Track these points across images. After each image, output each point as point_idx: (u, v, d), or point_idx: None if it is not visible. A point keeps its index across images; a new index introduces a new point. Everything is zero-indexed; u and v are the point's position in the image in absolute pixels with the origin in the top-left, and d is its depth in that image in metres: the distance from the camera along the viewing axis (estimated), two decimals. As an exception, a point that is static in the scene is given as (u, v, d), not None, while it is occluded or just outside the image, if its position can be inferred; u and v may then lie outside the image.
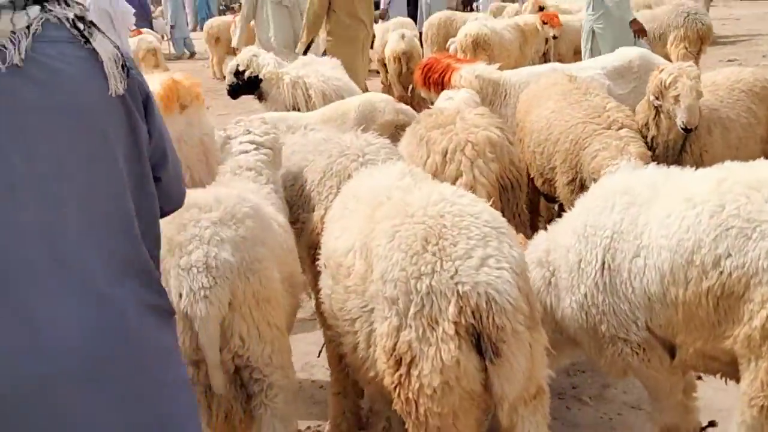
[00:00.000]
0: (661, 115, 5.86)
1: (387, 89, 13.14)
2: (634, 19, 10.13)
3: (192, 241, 3.31)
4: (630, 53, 7.65)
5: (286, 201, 4.94)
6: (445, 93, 6.99)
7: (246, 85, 7.84)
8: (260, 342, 3.38)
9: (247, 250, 3.39)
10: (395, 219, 3.33)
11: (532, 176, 6.43)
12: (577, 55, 13.68)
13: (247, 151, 4.68)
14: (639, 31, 10.01)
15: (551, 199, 6.60)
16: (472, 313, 3.01)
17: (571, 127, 5.92)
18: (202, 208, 3.43)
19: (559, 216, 6.50)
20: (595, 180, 5.40)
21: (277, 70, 7.67)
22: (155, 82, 4.59)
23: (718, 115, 5.98)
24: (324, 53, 9.63)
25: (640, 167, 5.16)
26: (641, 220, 3.75)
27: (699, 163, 5.89)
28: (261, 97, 7.80)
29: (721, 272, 3.40)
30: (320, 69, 7.82)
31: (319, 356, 5.22)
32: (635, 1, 13.31)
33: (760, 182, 3.47)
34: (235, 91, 8.07)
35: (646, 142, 5.87)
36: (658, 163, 5.64)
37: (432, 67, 8.57)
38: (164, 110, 4.48)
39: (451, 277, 3.06)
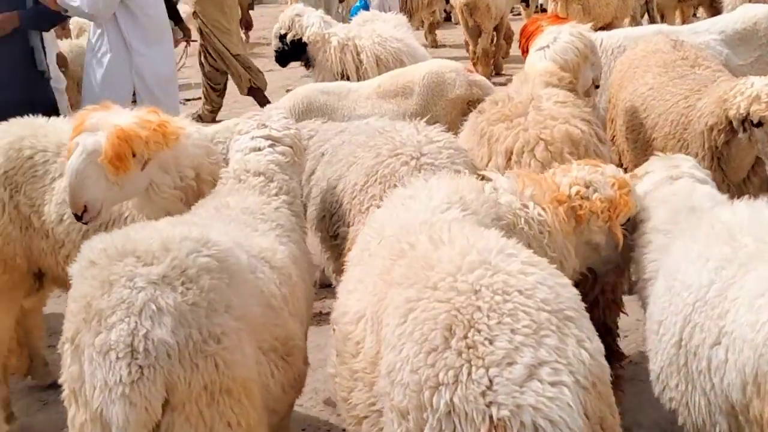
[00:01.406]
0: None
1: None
2: None
3: (116, 309, 2.35)
4: (755, 12, 6.24)
5: (327, 210, 3.98)
6: (541, 36, 5.42)
7: (291, 51, 6.85)
8: (218, 452, 2.43)
9: (198, 323, 2.42)
10: (411, 289, 2.34)
11: (625, 167, 5.26)
12: (681, 2, 12.06)
13: (260, 149, 3.74)
14: None
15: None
16: (513, 451, 2.03)
17: (672, 107, 4.84)
18: (141, 258, 2.47)
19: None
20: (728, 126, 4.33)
21: (322, 31, 6.62)
22: (101, 133, 3.46)
23: None
24: None
25: None
26: (732, 292, 2.63)
27: None
28: (308, 64, 6.80)
29: None
30: (378, 28, 6.75)
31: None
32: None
33: None
34: (282, 58, 7.13)
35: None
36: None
37: (523, 32, 7.40)
38: (116, 172, 3.43)
39: (483, 394, 2.08)
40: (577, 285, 3.74)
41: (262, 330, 2.73)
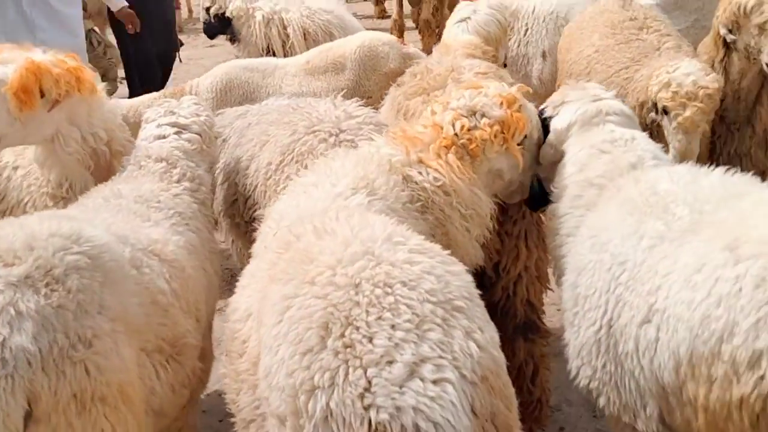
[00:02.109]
0: (734, 55, 4.47)
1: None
2: None
3: None
4: (691, -23, 6.08)
5: (240, 194, 3.81)
6: (458, 9, 5.12)
7: (218, 25, 6.61)
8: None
9: (64, 326, 2.23)
10: (288, 285, 2.18)
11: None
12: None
13: (164, 137, 3.57)
14: None
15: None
16: (394, 458, 1.88)
17: (613, 75, 4.61)
18: (2, 257, 2.28)
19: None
20: (649, 108, 4.17)
21: (246, 5, 6.38)
22: (11, 65, 3.32)
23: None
24: None
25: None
26: (663, 266, 2.47)
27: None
28: (233, 39, 6.56)
29: (762, 377, 2.15)
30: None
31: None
32: None
33: None
34: (210, 31, 6.91)
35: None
36: (724, 121, 4.51)
37: (467, -1, 7.12)
38: (19, 106, 3.28)
39: (361, 397, 1.91)
40: (498, 262, 3.68)
41: (145, 330, 2.55)
